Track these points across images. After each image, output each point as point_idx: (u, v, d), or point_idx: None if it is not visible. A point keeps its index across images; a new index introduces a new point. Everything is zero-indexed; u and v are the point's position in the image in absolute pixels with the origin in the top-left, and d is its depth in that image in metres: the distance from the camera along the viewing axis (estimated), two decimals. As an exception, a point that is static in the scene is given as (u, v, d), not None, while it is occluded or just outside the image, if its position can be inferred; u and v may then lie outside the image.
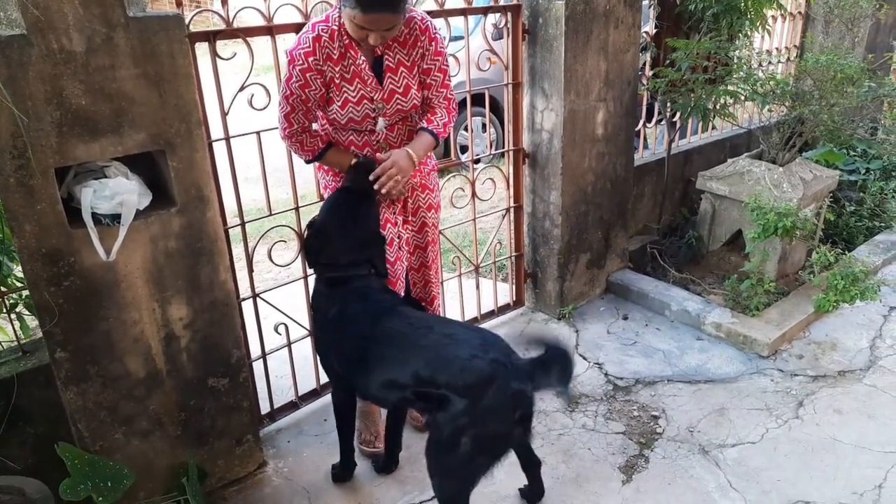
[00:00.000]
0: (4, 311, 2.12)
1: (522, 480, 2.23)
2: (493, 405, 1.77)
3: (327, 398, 2.71)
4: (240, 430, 2.28)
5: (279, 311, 2.51)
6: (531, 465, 2.18)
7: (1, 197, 1.70)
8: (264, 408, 2.57)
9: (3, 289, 2.11)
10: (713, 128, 4.22)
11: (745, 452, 2.40)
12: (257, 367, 2.51)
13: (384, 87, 2.10)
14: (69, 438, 1.93)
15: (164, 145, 1.87)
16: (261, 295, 2.45)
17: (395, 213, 2.30)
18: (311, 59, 2.02)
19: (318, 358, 2.64)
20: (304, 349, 2.63)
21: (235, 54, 2.16)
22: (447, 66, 2.22)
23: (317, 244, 2.10)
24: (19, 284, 2.19)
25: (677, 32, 3.53)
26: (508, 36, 2.94)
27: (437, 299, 2.59)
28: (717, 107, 3.56)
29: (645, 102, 3.71)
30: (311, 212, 2.64)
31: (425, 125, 2.20)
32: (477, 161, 3.16)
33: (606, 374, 2.87)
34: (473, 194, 3.02)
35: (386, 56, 2.09)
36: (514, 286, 3.39)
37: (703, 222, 3.72)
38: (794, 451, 2.41)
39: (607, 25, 2.95)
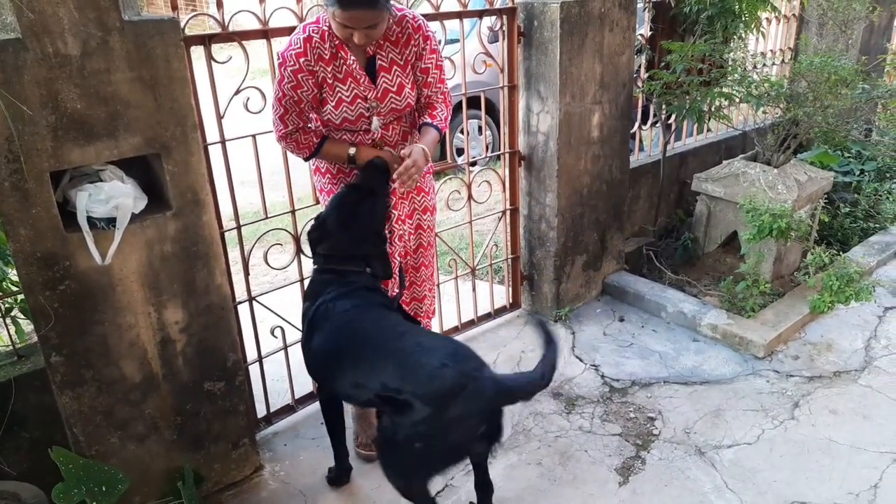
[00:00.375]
0: (0, 315, 2.11)
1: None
2: (458, 416, 1.74)
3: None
4: (236, 434, 2.28)
5: (275, 314, 2.51)
6: (484, 487, 2.09)
7: (-4, 201, 1.69)
8: (261, 411, 2.57)
9: (-2, 293, 2.11)
10: (708, 130, 4.24)
11: (741, 453, 2.41)
12: (253, 370, 2.50)
13: (378, 86, 2.10)
14: (65, 443, 1.93)
15: (160, 149, 1.87)
16: (257, 298, 2.45)
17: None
18: (302, 60, 2.02)
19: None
20: (301, 352, 2.62)
21: (231, 58, 2.16)
22: (442, 61, 2.23)
23: (316, 235, 2.12)
24: (14, 288, 2.18)
25: (672, 35, 3.54)
26: (504, 39, 2.95)
27: (428, 300, 2.58)
28: (712, 109, 3.57)
29: (640, 105, 3.72)
30: (308, 215, 2.64)
31: (429, 120, 2.22)
32: (473, 164, 3.17)
33: (603, 376, 2.87)
34: (469, 197, 3.02)
35: (378, 56, 2.10)
36: (510, 288, 3.39)
37: (699, 224, 3.74)
38: (790, 451, 2.41)
39: (602, 28, 2.96)
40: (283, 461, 2.45)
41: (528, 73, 2.99)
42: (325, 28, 2.03)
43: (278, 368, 2.62)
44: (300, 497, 2.29)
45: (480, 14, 2.88)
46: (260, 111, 2.21)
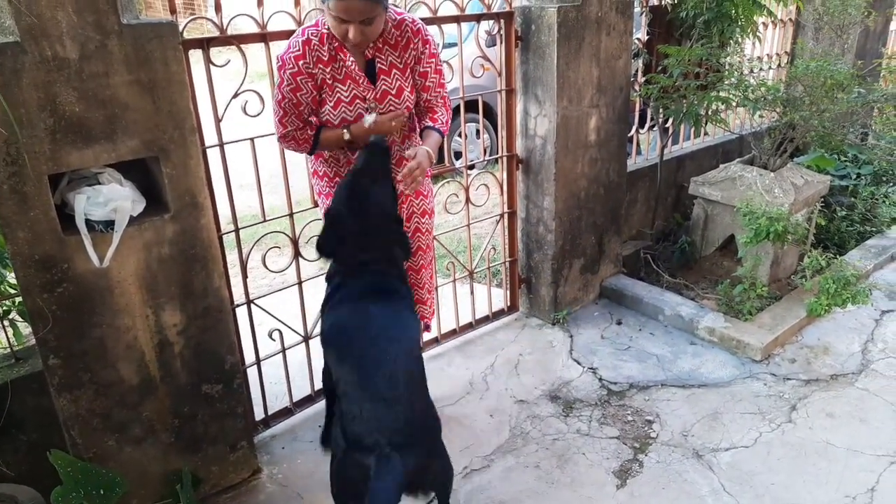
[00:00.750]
0: (-3, 318, 2.11)
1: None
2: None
3: (322, 404, 2.71)
4: (234, 437, 2.28)
5: (273, 317, 2.51)
6: None
7: (-6, 204, 1.70)
8: (258, 414, 2.57)
9: (-5, 296, 2.11)
10: (705, 133, 4.25)
11: (738, 456, 2.41)
12: (251, 373, 2.50)
13: (377, 88, 2.11)
14: (62, 445, 1.93)
15: (158, 152, 1.88)
16: (255, 301, 2.45)
17: None
18: (300, 62, 2.03)
19: (312, 363, 2.65)
20: (299, 355, 2.63)
21: (229, 61, 2.16)
22: (441, 66, 2.24)
23: (330, 234, 1.99)
24: (12, 291, 2.18)
25: (669, 39, 3.56)
26: (501, 43, 2.96)
27: (430, 302, 2.60)
28: (709, 113, 3.58)
29: (637, 108, 3.73)
30: (305, 218, 2.66)
31: (431, 124, 2.22)
32: (471, 167, 3.17)
33: (601, 379, 2.88)
34: (467, 200, 3.03)
35: (378, 59, 2.11)
36: (508, 291, 3.40)
37: (696, 227, 3.74)
38: (788, 454, 2.42)
39: (599, 32, 2.98)
40: (280, 464, 2.45)
41: (525, 76, 3.00)
42: (325, 31, 2.04)
43: (276, 371, 2.62)
44: (298, 500, 2.29)
45: (478, 18, 2.89)
46: (258, 114, 2.21)
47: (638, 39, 3.54)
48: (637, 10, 3.37)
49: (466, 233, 3.14)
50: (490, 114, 4.95)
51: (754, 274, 3.27)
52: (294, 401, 2.67)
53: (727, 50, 3.57)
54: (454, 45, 2.94)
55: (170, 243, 1.96)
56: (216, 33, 2.14)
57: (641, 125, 3.83)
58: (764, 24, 4.16)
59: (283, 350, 2.58)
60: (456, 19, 2.74)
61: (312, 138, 2.15)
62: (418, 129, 2.27)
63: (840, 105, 3.43)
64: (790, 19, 4.53)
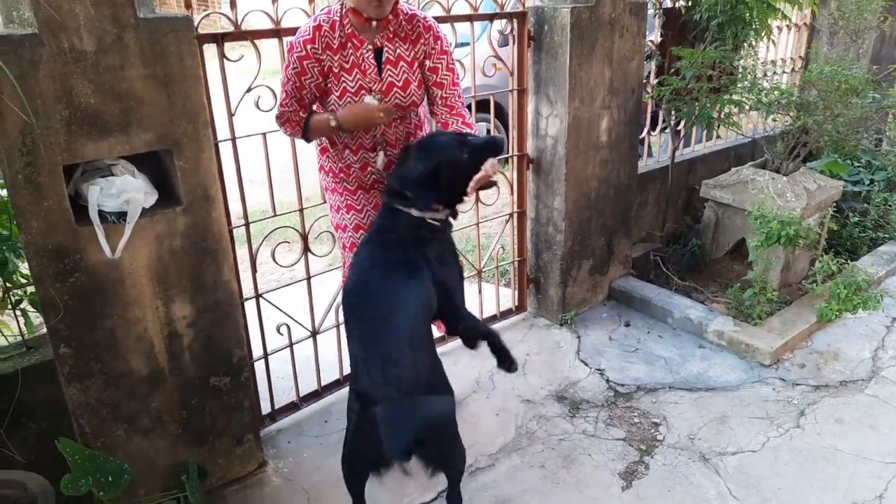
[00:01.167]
0: (9, 306, 2.13)
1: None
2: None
3: (328, 399, 2.73)
4: (240, 430, 2.29)
5: (281, 311, 2.52)
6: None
7: (9, 193, 1.72)
8: (265, 408, 2.58)
9: (8, 285, 2.13)
10: (717, 137, 4.23)
11: (745, 461, 2.40)
12: (259, 367, 2.52)
13: (383, 79, 2.12)
14: (71, 434, 1.94)
15: (172, 145, 1.89)
16: (263, 295, 2.47)
17: (356, 199, 2.32)
18: (309, 46, 2.04)
19: (319, 358, 2.66)
20: (306, 350, 2.64)
21: (243, 56, 2.18)
22: (454, 64, 2.23)
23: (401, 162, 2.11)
24: (24, 281, 2.20)
25: (682, 41, 3.55)
26: (514, 42, 2.96)
27: None
28: (722, 116, 3.57)
29: (649, 110, 3.72)
30: (315, 213, 2.67)
31: (467, 129, 2.21)
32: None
33: (608, 381, 2.87)
34: (477, 199, 3.03)
35: (386, 48, 2.11)
36: (516, 291, 3.39)
37: (707, 230, 3.73)
38: (795, 460, 2.40)
39: (612, 33, 2.97)
40: (286, 458, 2.46)
41: (537, 76, 3.00)
42: (336, 18, 2.05)
43: (283, 366, 2.63)
44: (303, 494, 2.30)
45: (491, 17, 2.89)
46: (270, 109, 2.22)
47: (651, 41, 3.53)
48: (650, 11, 3.36)
49: (476, 232, 3.15)
50: (501, 113, 4.95)
51: (765, 278, 3.25)
52: (301, 395, 2.69)
53: (741, 53, 3.56)
54: (467, 44, 2.94)
55: (181, 236, 1.97)
56: (230, 28, 2.16)
57: (653, 127, 3.83)
58: (778, 27, 4.14)
59: (291, 345, 2.59)
60: (469, 18, 2.75)
61: (303, 121, 2.15)
62: (433, 128, 2.27)
63: (854, 110, 3.41)
64: (805, 23, 4.50)
